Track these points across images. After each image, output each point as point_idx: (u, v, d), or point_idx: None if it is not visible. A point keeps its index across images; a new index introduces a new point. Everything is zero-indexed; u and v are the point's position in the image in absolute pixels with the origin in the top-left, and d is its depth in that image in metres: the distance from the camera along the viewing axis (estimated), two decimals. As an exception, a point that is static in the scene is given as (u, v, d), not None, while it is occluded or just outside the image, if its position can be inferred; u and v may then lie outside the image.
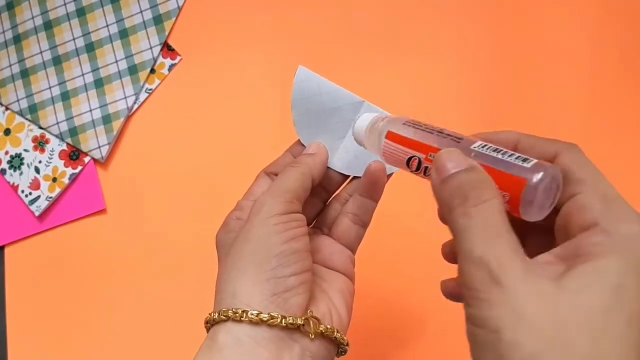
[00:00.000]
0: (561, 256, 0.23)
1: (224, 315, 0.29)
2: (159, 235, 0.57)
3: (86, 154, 0.59)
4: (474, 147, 0.26)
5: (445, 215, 0.24)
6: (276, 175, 0.35)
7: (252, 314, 0.28)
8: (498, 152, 0.25)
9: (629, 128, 0.55)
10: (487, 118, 0.56)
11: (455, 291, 0.29)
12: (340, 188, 0.37)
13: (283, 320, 0.28)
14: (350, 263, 0.36)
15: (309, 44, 0.59)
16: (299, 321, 0.28)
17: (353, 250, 0.36)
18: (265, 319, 0.28)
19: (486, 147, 0.26)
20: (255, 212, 0.31)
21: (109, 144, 0.58)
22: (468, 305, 0.22)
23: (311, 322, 0.29)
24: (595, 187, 0.23)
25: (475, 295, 0.21)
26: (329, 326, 0.30)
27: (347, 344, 0.31)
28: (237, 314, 0.28)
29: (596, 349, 0.19)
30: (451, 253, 0.30)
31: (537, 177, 0.23)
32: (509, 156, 0.25)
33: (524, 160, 0.24)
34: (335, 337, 0.30)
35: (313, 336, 0.29)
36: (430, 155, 0.28)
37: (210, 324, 0.30)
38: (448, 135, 0.28)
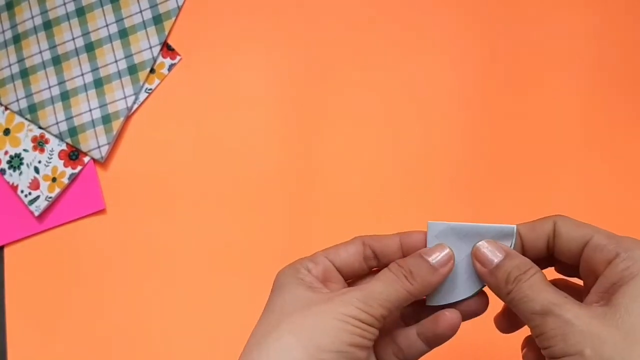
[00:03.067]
0: (601, 292, 0.27)
1: None
2: (159, 235, 0.57)
3: (86, 154, 0.59)
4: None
5: (502, 297, 0.29)
6: (372, 250, 0.32)
7: None
8: None
9: (630, 129, 0.55)
10: (489, 119, 0.56)
11: (503, 324, 0.33)
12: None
13: None
14: None
15: (308, 44, 0.59)
16: None
17: None
18: None
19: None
20: (339, 305, 0.28)
21: (108, 144, 0.58)
22: (548, 347, 0.26)
23: None
24: (600, 232, 0.29)
25: (550, 336, 0.26)
26: None
27: None
28: None
29: None
30: (502, 322, 0.33)
31: None
32: None
33: None
34: None
35: None
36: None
37: None
38: None
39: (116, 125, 0.58)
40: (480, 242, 0.30)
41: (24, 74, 0.60)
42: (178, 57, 0.60)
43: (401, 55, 0.58)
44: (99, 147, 0.58)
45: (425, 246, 0.31)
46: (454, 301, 0.31)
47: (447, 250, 0.30)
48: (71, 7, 0.60)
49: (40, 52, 0.60)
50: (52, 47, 0.60)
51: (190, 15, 0.60)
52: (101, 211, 0.58)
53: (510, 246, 0.30)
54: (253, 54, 0.59)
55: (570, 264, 0.30)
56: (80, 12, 0.60)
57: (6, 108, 0.61)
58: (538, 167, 0.55)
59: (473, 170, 0.55)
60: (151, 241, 0.57)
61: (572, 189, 0.54)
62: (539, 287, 0.28)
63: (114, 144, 0.59)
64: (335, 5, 0.59)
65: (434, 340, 0.31)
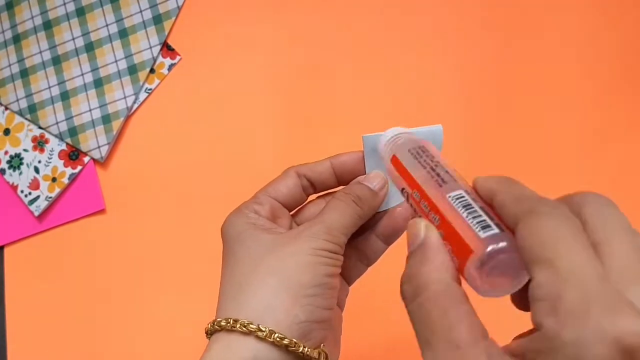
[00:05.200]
0: (517, 352, 0.19)
1: (246, 328, 0.27)
2: (159, 235, 0.57)
3: (86, 154, 0.59)
4: (450, 198, 0.24)
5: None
6: (307, 179, 0.34)
7: (278, 337, 0.27)
8: (468, 208, 0.23)
9: (629, 129, 0.55)
10: (488, 118, 0.56)
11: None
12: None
13: (302, 349, 0.28)
14: (345, 297, 0.35)
15: (308, 44, 0.59)
16: (315, 354, 0.28)
17: (350, 284, 0.35)
18: (287, 344, 0.27)
19: (461, 199, 0.24)
20: (307, 241, 0.29)
21: (108, 143, 0.58)
22: None
23: (322, 356, 0.29)
24: (554, 272, 0.18)
25: None
26: None
27: None
28: (264, 333, 0.27)
29: None
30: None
31: (482, 253, 0.20)
32: (474, 217, 0.22)
33: (484, 227, 0.21)
34: None
35: None
36: (414, 194, 0.27)
37: (225, 330, 0.28)
38: (437, 175, 0.26)
39: (116, 125, 0.58)
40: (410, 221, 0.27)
41: (24, 74, 0.60)
42: (178, 57, 0.60)
43: (399, 53, 0.58)
44: (98, 147, 0.58)
45: (356, 165, 0.34)
46: (395, 204, 0.34)
47: (382, 176, 0.33)
48: (71, 7, 0.60)
49: (40, 52, 0.60)
50: (52, 47, 0.60)
51: (190, 16, 0.60)
52: (101, 211, 0.58)
53: (440, 146, 0.32)
54: (253, 53, 0.59)
55: None
56: (80, 12, 0.60)
57: (6, 108, 0.61)
58: (537, 166, 0.55)
59: (473, 169, 0.55)
60: (151, 241, 0.57)
61: (571, 188, 0.54)
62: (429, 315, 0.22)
63: (114, 144, 0.59)
64: (335, 6, 0.59)
65: (391, 236, 0.34)
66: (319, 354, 0.29)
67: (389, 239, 0.34)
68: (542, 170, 0.55)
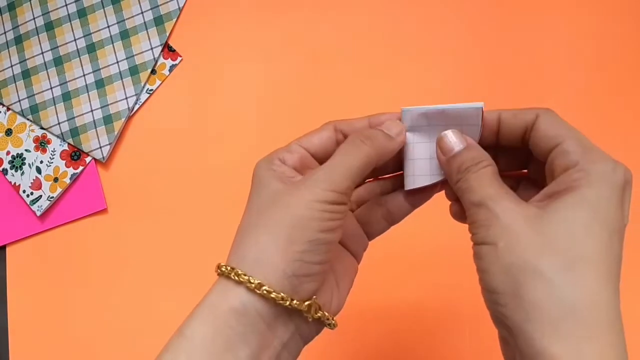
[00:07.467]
0: (547, 194, 0.27)
1: (238, 278, 0.28)
2: (160, 234, 0.58)
3: (87, 154, 0.59)
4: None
5: (452, 185, 0.30)
6: (344, 134, 0.33)
7: (265, 290, 0.28)
8: None
9: (628, 128, 0.56)
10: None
11: (459, 212, 0.32)
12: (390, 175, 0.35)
13: (290, 303, 0.28)
14: (363, 250, 0.35)
15: (309, 45, 0.59)
16: (304, 307, 0.29)
17: (371, 239, 0.35)
18: (274, 297, 0.28)
19: None
20: (305, 192, 0.29)
21: (110, 144, 0.59)
22: (473, 234, 0.28)
23: (312, 308, 0.29)
24: (574, 137, 0.28)
25: (478, 225, 0.28)
26: (327, 314, 0.30)
27: (335, 324, 0.32)
28: (253, 285, 0.28)
29: (578, 249, 0.25)
30: (458, 213, 0.33)
31: None
32: None
33: None
34: (328, 322, 0.31)
35: (310, 319, 0.30)
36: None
37: (224, 275, 0.30)
38: None
39: (117, 125, 0.59)
40: (446, 131, 0.31)
41: (26, 74, 0.61)
42: (179, 58, 0.60)
43: (401, 61, 0.58)
44: (100, 147, 0.59)
45: None
46: (429, 184, 0.33)
47: (399, 124, 0.32)
48: (73, 8, 0.61)
49: (42, 53, 0.61)
50: (54, 48, 0.60)
51: (191, 17, 0.60)
52: (102, 211, 0.59)
53: (479, 124, 0.31)
54: (253, 54, 0.60)
55: (543, 162, 0.30)
56: (82, 13, 0.61)
57: (8, 109, 0.61)
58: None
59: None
60: (152, 240, 0.58)
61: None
62: (485, 180, 0.29)
63: (115, 144, 0.59)
64: (334, 7, 0.59)
65: (419, 200, 0.34)
66: (310, 306, 0.29)
67: (415, 202, 0.34)
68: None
